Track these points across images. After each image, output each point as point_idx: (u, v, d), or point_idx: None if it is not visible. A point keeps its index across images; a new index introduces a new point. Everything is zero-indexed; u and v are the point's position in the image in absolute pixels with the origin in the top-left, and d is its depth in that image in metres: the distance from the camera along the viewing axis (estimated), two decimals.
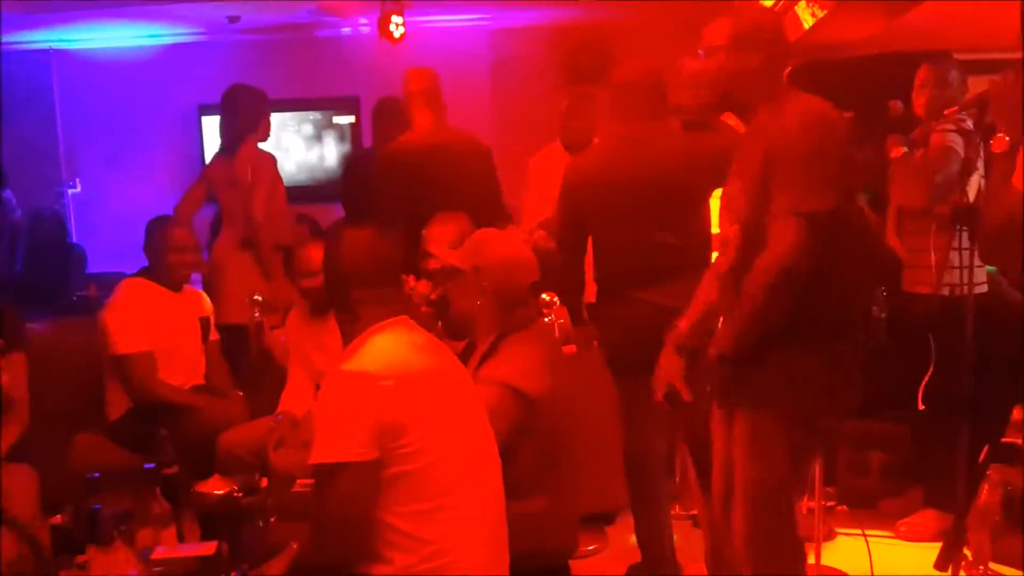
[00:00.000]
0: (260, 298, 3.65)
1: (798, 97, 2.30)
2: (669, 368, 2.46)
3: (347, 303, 2.07)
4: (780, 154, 2.19)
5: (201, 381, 3.60)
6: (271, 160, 4.40)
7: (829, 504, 3.64)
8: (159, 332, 3.45)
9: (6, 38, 6.25)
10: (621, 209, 2.95)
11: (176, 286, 3.55)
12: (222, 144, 4.41)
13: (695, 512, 3.43)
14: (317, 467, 1.92)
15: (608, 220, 2.99)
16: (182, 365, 3.51)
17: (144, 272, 3.60)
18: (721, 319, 2.39)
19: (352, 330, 2.07)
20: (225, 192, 4.37)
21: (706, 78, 2.33)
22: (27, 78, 6.55)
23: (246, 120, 4.34)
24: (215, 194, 4.45)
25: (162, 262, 3.54)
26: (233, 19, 6.06)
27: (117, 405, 3.45)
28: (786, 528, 2.35)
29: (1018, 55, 2.73)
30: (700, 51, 2.35)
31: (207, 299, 3.76)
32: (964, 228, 3.32)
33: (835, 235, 2.19)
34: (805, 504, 3.36)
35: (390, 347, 2.01)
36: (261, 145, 4.40)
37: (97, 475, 2.32)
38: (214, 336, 3.70)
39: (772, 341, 2.23)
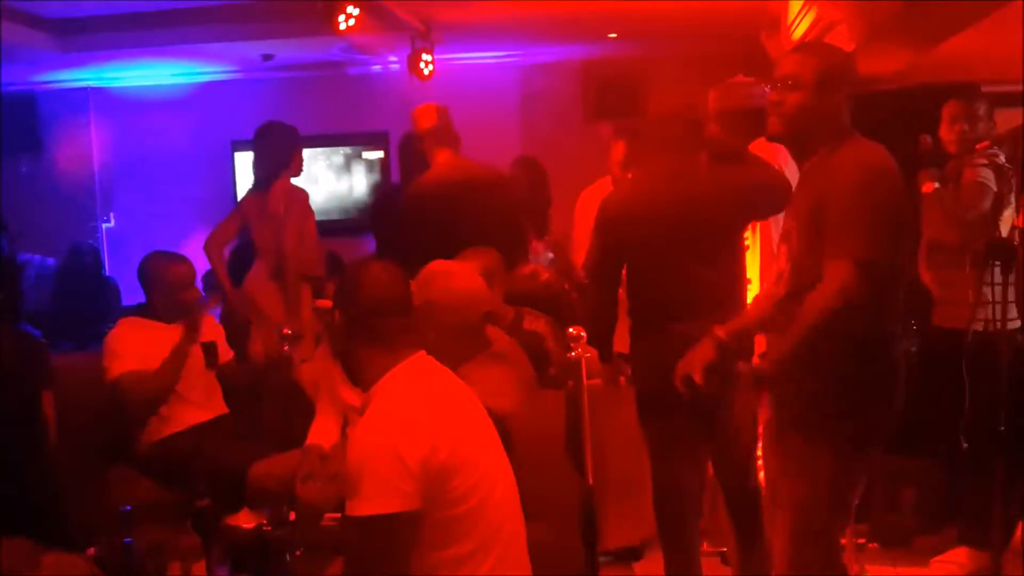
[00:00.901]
0: (290, 332, 3.67)
1: (858, 141, 2.33)
2: (694, 356, 2.45)
3: (371, 334, 1.99)
4: (839, 198, 2.21)
5: (225, 410, 3.60)
6: (304, 195, 4.47)
7: (860, 541, 3.59)
8: (149, 360, 3.41)
9: (46, 76, 6.44)
10: (657, 243, 2.95)
11: (171, 319, 3.50)
12: (255, 179, 4.49)
13: (724, 549, 3.39)
14: (356, 519, 1.84)
15: (644, 254, 3.00)
16: (191, 395, 3.50)
17: (139, 310, 3.59)
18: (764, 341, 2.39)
19: (365, 367, 2.00)
20: (258, 226, 4.43)
21: (787, 110, 2.33)
22: (65, 115, 6.73)
23: (279, 156, 4.41)
24: (249, 228, 4.51)
25: (157, 296, 3.51)
26: (267, 57, 6.19)
27: (143, 442, 3.44)
28: (829, 558, 2.34)
29: None
30: (779, 82, 2.34)
31: (211, 324, 3.73)
32: (998, 263, 3.29)
33: (886, 280, 2.22)
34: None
35: (421, 387, 1.96)
36: (294, 180, 4.47)
37: (129, 508, 2.34)
38: (224, 358, 3.63)
39: (821, 373, 2.26)
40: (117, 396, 3.37)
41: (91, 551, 2.40)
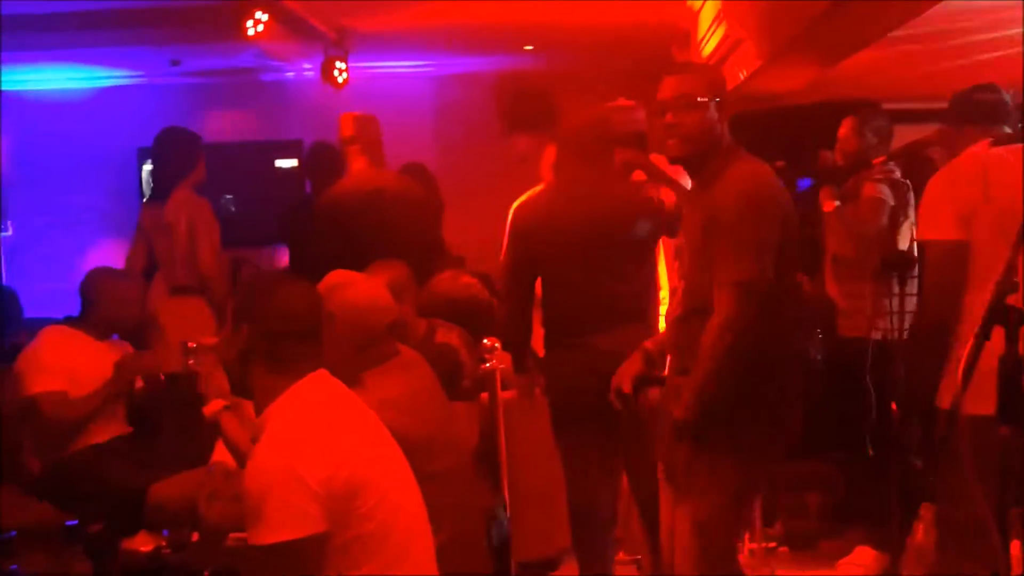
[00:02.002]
0: (194, 345, 3.56)
1: (741, 159, 2.37)
2: (624, 369, 2.51)
3: (272, 356, 1.91)
4: (720, 221, 2.27)
5: (126, 429, 3.48)
6: (206, 205, 4.31)
7: (770, 545, 3.66)
8: (76, 377, 3.29)
9: None
10: (571, 254, 2.96)
11: (103, 336, 3.43)
12: (153, 189, 4.35)
13: (639, 557, 3.42)
14: (261, 547, 1.76)
15: (557, 265, 3.00)
16: (107, 415, 3.38)
17: (71, 320, 3.48)
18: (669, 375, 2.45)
19: (262, 388, 1.91)
20: (157, 239, 4.25)
21: (685, 130, 2.35)
22: None
23: (178, 164, 4.24)
24: (149, 242, 4.32)
25: (98, 313, 3.41)
26: (175, 62, 6.02)
27: (35, 458, 3.30)
28: (727, 566, 2.37)
29: (942, 105, 2.85)
30: (673, 102, 2.36)
31: (129, 348, 3.65)
32: (895, 275, 3.41)
33: (778, 296, 2.27)
34: (747, 545, 3.37)
35: (318, 407, 1.90)
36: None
37: (14, 533, 2.22)
38: (138, 384, 3.56)
39: (718, 387, 2.28)
40: (32, 413, 3.23)
41: None
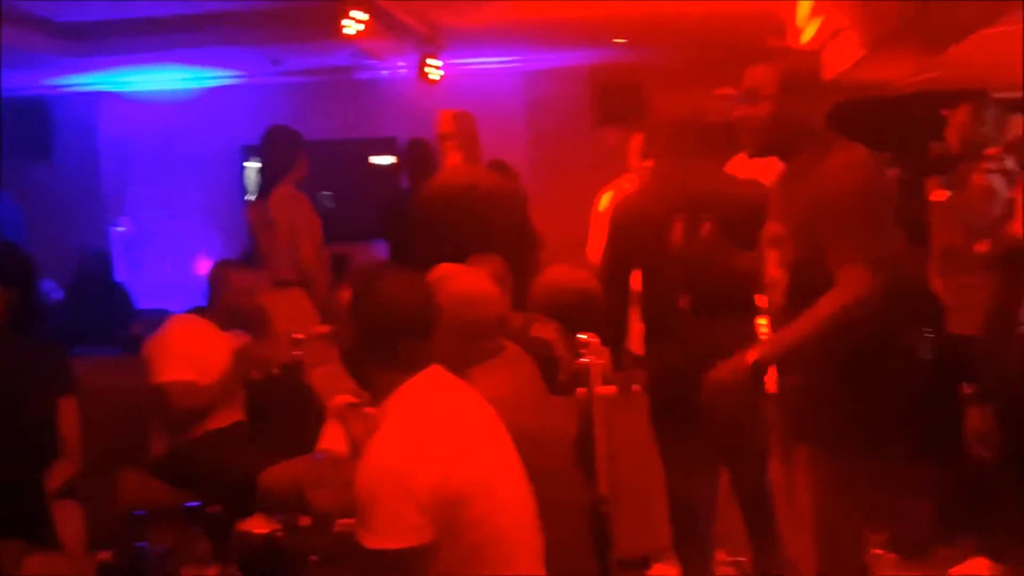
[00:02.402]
0: (301, 337, 3.68)
1: (841, 144, 2.32)
2: (724, 376, 2.41)
3: (392, 353, 1.88)
4: (836, 204, 2.21)
5: (242, 416, 3.61)
6: (306, 200, 4.42)
7: (878, 552, 3.57)
8: (203, 366, 3.41)
9: (56, 81, 6.47)
10: (668, 248, 2.94)
11: (227, 326, 3.52)
12: (259, 186, 4.47)
13: (741, 559, 3.38)
14: (366, 550, 1.76)
15: (655, 259, 2.98)
16: (228, 402, 3.51)
17: (198, 310, 3.60)
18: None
19: (376, 383, 1.90)
20: (261, 234, 4.41)
21: (754, 124, 2.33)
22: (74, 120, 6.76)
23: (281, 162, 4.35)
24: (252, 236, 4.49)
25: (222, 303, 3.53)
26: (275, 62, 6.20)
27: (160, 442, 3.46)
28: (857, 557, 2.35)
29: None
30: (744, 96, 2.35)
31: (248, 339, 3.76)
32: (1013, 268, 3.28)
33: (887, 281, 2.23)
34: None
35: (433, 407, 1.87)
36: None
37: (143, 513, 2.35)
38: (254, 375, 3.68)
39: (827, 378, 2.26)
40: (161, 400, 3.34)
41: (105, 555, 2.41)
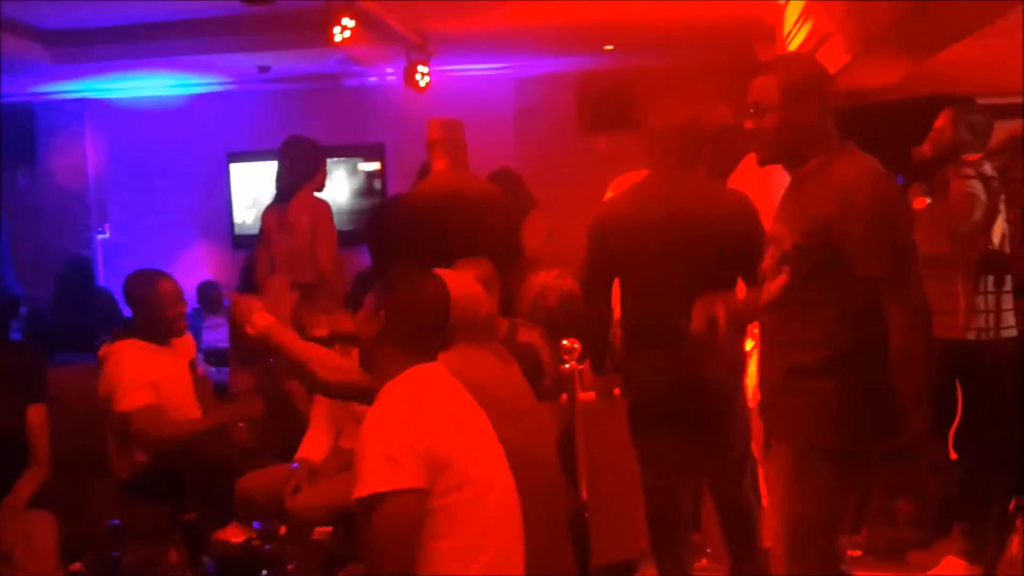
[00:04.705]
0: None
1: (852, 153, 2.32)
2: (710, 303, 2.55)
3: (408, 344, 2.09)
4: (856, 219, 2.20)
5: (213, 424, 3.55)
6: (327, 207, 4.59)
7: (854, 553, 3.56)
8: (159, 387, 3.34)
9: (42, 88, 6.45)
10: (652, 255, 2.91)
11: (164, 340, 3.45)
12: (278, 191, 4.59)
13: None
14: (363, 500, 1.88)
15: (637, 266, 2.96)
16: (183, 411, 3.43)
17: (129, 332, 3.47)
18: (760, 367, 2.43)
19: (385, 365, 2.07)
20: (278, 238, 4.52)
21: (762, 136, 2.34)
22: (61, 126, 6.74)
23: (302, 169, 4.52)
24: (268, 240, 4.59)
25: (151, 317, 3.41)
26: (263, 69, 6.19)
27: (123, 464, 3.36)
28: (827, 566, 2.31)
29: None
30: (750, 109, 2.35)
31: (191, 341, 3.71)
32: (990, 273, 3.29)
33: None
34: None
35: (428, 388, 2.05)
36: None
37: (117, 522, 2.32)
38: (199, 374, 3.64)
39: (811, 376, 2.25)
40: (130, 430, 3.26)
41: (77, 565, 2.38)
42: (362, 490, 1.88)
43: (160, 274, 3.50)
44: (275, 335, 2.49)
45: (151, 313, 3.41)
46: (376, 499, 1.86)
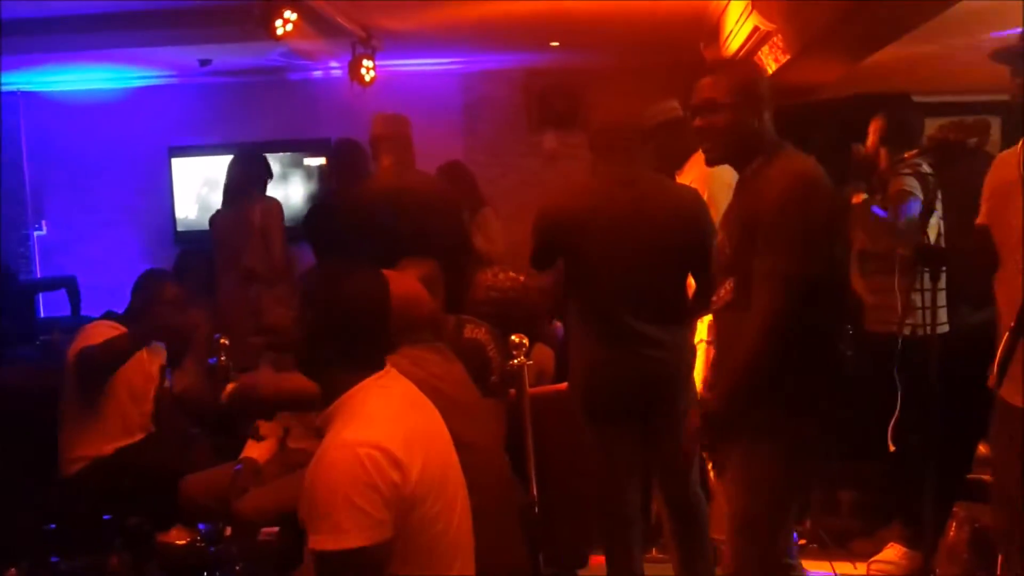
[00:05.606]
0: (226, 341, 3.60)
1: (787, 155, 2.37)
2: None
3: (342, 348, 1.84)
4: (764, 216, 2.26)
5: (152, 429, 3.53)
6: (278, 205, 4.84)
7: (800, 543, 3.64)
8: (129, 378, 3.37)
9: None
10: (599, 251, 2.93)
11: (148, 338, 3.45)
12: (228, 196, 4.82)
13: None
14: (326, 553, 1.69)
15: (584, 261, 2.98)
16: (128, 413, 3.42)
17: (120, 318, 3.49)
18: (711, 369, 2.47)
19: (330, 381, 1.85)
20: (232, 238, 4.72)
21: (713, 134, 2.38)
22: None
23: (254, 174, 4.84)
24: (218, 242, 4.81)
25: (148, 314, 3.45)
26: (204, 62, 6.07)
27: (73, 460, 3.34)
28: (769, 561, 2.36)
29: (976, 98, 2.81)
30: (701, 106, 2.38)
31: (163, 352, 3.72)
32: (926, 269, 3.37)
33: (820, 289, 2.27)
34: None
35: (390, 408, 1.84)
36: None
37: (55, 527, 2.27)
38: (166, 382, 3.65)
39: (761, 380, 2.29)
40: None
41: (11, 572, 2.32)
42: (328, 543, 1.70)
43: (172, 277, 3.72)
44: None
45: (150, 309, 3.48)
46: (344, 555, 1.69)
